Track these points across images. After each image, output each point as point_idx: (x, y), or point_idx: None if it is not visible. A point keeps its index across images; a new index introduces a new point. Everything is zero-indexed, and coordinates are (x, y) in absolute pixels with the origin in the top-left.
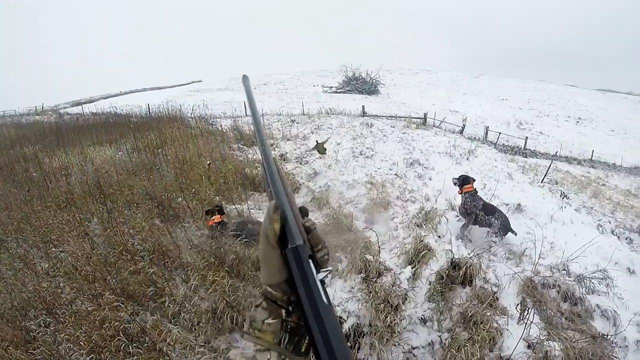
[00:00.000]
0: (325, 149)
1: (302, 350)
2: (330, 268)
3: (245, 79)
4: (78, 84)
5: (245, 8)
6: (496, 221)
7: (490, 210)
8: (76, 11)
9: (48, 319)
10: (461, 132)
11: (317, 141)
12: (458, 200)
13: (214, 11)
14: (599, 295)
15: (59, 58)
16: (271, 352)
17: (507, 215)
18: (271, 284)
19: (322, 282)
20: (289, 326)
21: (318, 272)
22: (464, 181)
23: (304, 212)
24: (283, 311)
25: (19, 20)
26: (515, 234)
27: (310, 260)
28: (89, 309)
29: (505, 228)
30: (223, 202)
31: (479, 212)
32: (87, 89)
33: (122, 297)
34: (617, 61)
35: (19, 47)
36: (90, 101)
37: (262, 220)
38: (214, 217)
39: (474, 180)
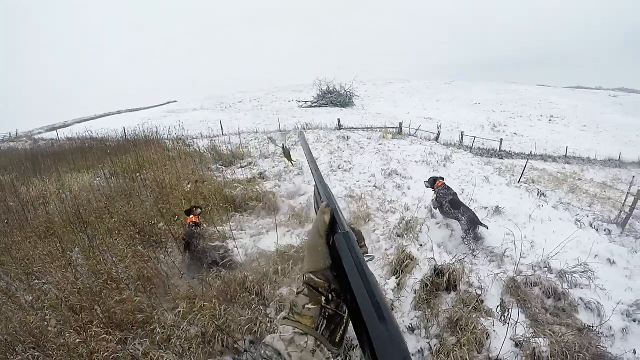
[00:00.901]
0: (290, 156)
1: (337, 340)
2: (372, 255)
3: (300, 134)
4: (51, 107)
5: (231, 15)
6: (463, 216)
7: (456, 204)
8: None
9: (36, 353)
10: (437, 139)
11: (283, 145)
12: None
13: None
14: (582, 288)
15: (28, 79)
16: (309, 336)
17: (488, 219)
18: (316, 270)
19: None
20: (327, 313)
21: (364, 254)
22: (434, 181)
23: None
24: (323, 298)
25: None
26: (487, 228)
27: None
28: (77, 341)
29: (472, 222)
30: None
31: (445, 203)
32: (61, 113)
33: (110, 327)
34: (585, 59)
35: None
36: (65, 126)
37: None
38: (191, 216)
39: (443, 179)
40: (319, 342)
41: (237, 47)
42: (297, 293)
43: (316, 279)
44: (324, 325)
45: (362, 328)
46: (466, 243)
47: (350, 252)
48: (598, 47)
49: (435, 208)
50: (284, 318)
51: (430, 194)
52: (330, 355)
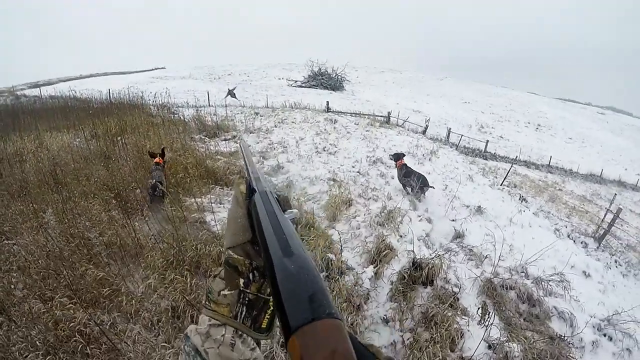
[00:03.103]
0: (235, 95)
1: (263, 326)
2: (294, 210)
3: (241, 140)
4: (37, 64)
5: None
6: (413, 182)
7: (409, 174)
8: None
9: (0, 318)
10: (424, 132)
11: (228, 88)
12: (427, 199)
13: None
14: (556, 297)
15: (14, 34)
16: (226, 327)
17: (470, 218)
18: (235, 244)
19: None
20: (247, 298)
21: (284, 212)
22: (397, 157)
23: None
24: (241, 281)
25: None
26: (433, 188)
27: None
28: (42, 310)
29: (423, 183)
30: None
31: (401, 173)
32: (47, 71)
33: (77, 296)
34: (577, 74)
35: None
36: (49, 83)
37: None
38: (155, 159)
39: (404, 155)
40: (240, 332)
41: (228, 15)
42: (214, 276)
43: (235, 256)
44: (243, 312)
45: (269, 271)
46: (416, 197)
47: (265, 206)
48: (593, 64)
49: (401, 180)
50: (203, 306)
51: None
52: (256, 344)
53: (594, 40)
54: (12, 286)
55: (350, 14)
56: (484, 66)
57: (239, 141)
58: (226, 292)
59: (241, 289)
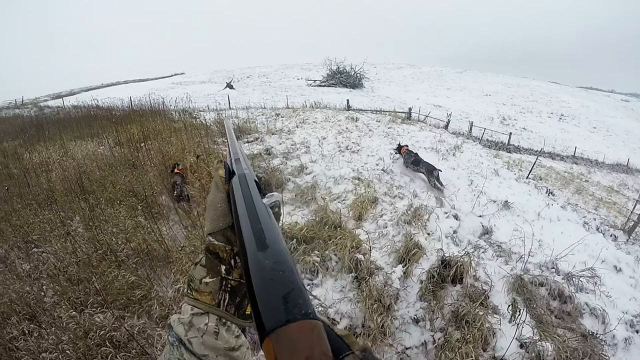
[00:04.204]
0: (233, 87)
1: (247, 312)
2: (275, 193)
3: (226, 119)
4: (59, 76)
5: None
6: (422, 168)
7: (417, 162)
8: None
9: (32, 325)
10: (446, 127)
11: (226, 82)
12: (453, 195)
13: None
14: (587, 293)
15: (68, 58)
16: (210, 316)
17: (497, 213)
18: (215, 230)
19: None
20: (229, 285)
21: (263, 197)
22: (400, 147)
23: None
24: (223, 268)
25: None
26: (440, 171)
27: (258, 190)
28: (73, 314)
29: (429, 170)
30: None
31: (409, 162)
32: (69, 82)
33: (107, 301)
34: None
35: None
36: (72, 94)
37: None
38: (175, 170)
39: (407, 145)
40: (223, 320)
41: (245, 22)
42: (195, 264)
43: (216, 242)
44: (226, 300)
45: (243, 267)
46: (432, 185)
47: (242, 190)
48: (614, 49)
49: (407, 164)
50: (185, 295)
51: (442, 180)
52: (241, 332)
53: (615, 28)
54: (42, 293)
55: (366, 9)
56: (503, 58)
57: (224, 120)
58: (208, 279)
59: (223, 275)
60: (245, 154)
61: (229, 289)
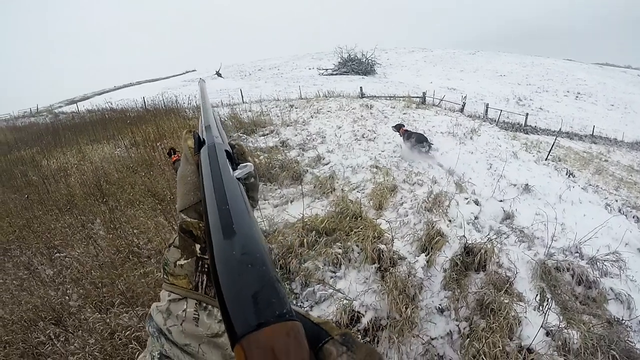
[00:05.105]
0: (221, 75)
1: None
2: (248, 164)
3: (201, 81)
4: (71, 82)
5: None
6: (413, 139)
7: (410, 135)
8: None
9: (58, 330)
10: (461, 110)
11: (216, 71)
12: (472, 180)
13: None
14: (612, 278)
15: (68, 57)
16: (188, 301)
17: (518, 197)
18: (186, 206)
19: (244, 184)
20: (205, 265)
21: (235, 169)
22: (398, 127)
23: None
24: (198, 247)
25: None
26: (432, 144)
27: (229, 161)
28: (98, 316)
29: (418, 139)
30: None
31: (412, 139)
32: (81, 87)
33: (132, 302)
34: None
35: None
36: (85, 98)
37: None
38: (173, 156)
39: (404, 125)
40: (203, 304)
41: (245, 22)
42: (169, 246)
43: (188, 219)
44: (204, 282)
45: (209, 257)
46: (426, 152)
47: (211, 163)
48: (628, 22)
49: (406, 142)
50: (162, 280)
51: (459, 166)
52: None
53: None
54: (67, 297)
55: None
56: (515, 37)
57: (198, 82)
58: (182, 261)
59: (198, 255)
60: (219, 120)
61: (205, 269)
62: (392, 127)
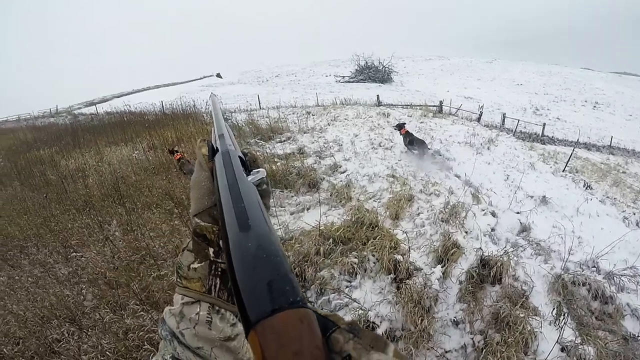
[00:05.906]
0: (220, 75)
1: None
2: (261, 170)
3: (212, 95)
4: (91, 83)
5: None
6: (417, 145)
7: (412, 142)
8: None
9: (72, 328)
10: (478, 119)
11: (217, 73)
12: (489, 191)
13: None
14: (629, 293)
15: (68, 57)
16: (201, 304)
17: (535, 209)
18: (200, 210)
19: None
20: (219, 269)
21: (248, 174)
22: (400, 126)
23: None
24: (211, 250)
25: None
26: (430, 149)
27: (242, 167)
28: (113, 316)
29: (410, 142)
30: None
31: (413, 141)
32: (100, 89)
33: (147, 304)
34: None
35: (21, 48)
36: (104, 100)
37: None
38: (176, 154)
39: (405, 124)
40: (216, 308)
41: (245, 22)
42: (182, 250)
43: (202, 223)
44: (217, 285)
45: (225, 250)
46: (421, 155)
47: (226, 168)
48: (628, 22)
49: (406, 144)
50: (175, 284)
51: (475, 177)
52: (236, 319)
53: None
54: (82, 297)
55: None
56: (515, 37)
57: (210, 96)
58: (196, 264)
59: (212, 259)
60: (231, 129)
61: (219, 273)
62: (394, 126)
